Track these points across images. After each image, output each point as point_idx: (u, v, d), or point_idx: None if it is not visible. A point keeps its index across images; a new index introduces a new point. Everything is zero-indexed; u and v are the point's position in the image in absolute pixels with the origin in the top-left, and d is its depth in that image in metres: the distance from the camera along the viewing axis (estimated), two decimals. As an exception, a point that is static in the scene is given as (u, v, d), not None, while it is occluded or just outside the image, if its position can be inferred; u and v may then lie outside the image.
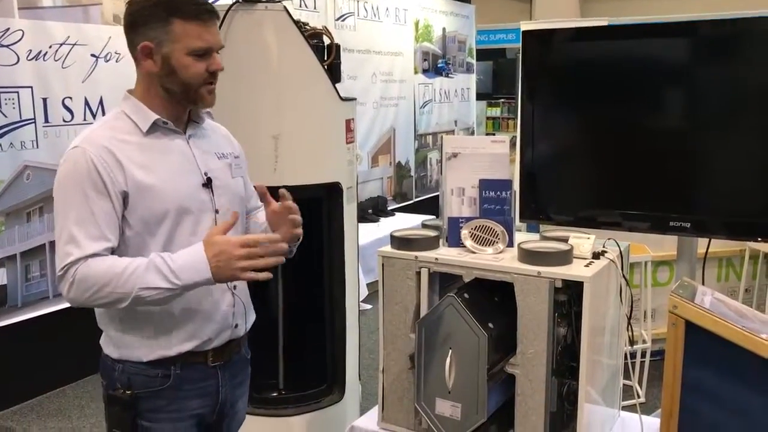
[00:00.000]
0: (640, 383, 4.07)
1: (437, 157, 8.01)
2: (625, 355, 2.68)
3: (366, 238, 5.83)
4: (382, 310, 2.42)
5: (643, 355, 4.05)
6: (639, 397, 3.98)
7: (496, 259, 2.26)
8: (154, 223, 1.68)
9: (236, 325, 1.84)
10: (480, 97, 11.11)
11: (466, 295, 2.17)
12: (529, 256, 2.18)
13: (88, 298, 1.61)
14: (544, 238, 2.40)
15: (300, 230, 1.83)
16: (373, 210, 7.29)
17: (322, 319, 3.10)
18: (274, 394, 3.13)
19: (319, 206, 2.98)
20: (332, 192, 2.95)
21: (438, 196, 2.49)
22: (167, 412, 1.74)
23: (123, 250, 1.68)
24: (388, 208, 7.55)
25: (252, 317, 1.94)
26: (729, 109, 2.32)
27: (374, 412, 2.53)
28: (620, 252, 2.32)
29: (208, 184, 1.80)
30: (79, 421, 3.63)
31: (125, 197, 1.67)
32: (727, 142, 2.32)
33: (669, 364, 2.04)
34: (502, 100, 12.09)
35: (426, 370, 2.22)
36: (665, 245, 4.24)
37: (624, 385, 2.66)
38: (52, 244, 4.04)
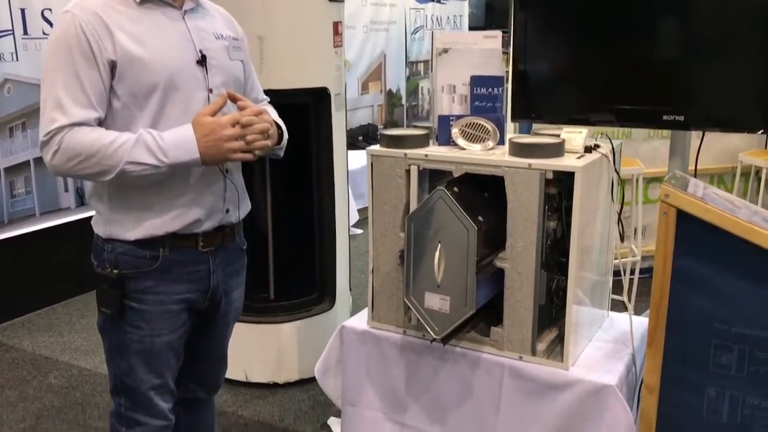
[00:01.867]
0: (629, 298, 4.09)
1: (429, 86, 7.89)
2: (616, 272, 2.68)
3: (356, 164, 5.78)
4: (371, 209, 2.39)
5: (633, 272, 4.07)
6: (628, 310, 4.00)
7: (486, 154, 2.22)
8: (142, 96, 1.63)
9: (227, 210, 1.80)
10: (472, 29, 10.91)
11: (455, 189, 2.14)
12: (520, 149, 2.14)
13: (71, 167, 1.57)
14: (536, 134, 2.36)
15: (268, 141, 1.76)
16: (363, 137, 7.22)
17: (311, 229, 3.08)
18: (265, 303, 3.14)
19: (306, 113, 2.92)
20: (320, 98, 2.89)
21: (430, 127, 2.44)
22: (155, 293, 1.71)
23: (111, 124, 1.63)
24: (379, 136, 7.45)
25: (246, 207, 1.90)
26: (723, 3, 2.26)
27: (365, 314, 2.53)
28: (612, 148, 2.28)
29: (202, 61, 1.74)
30: (69, 336, 3.64)
31: (113, 66, 1.61)
32: (721, 36, 2.26)
33: (659, 255, 2.02)
34: (495, 33, 11.84)
35: (415, 265, 2.21)
36: (657, 161, 4.21)
37: (614, 300, 2.67)
38: (37, 160, 3.99)
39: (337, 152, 2.99)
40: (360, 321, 2.53)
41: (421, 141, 2.33)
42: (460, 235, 2.11)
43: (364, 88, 7.34)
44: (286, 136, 1.86)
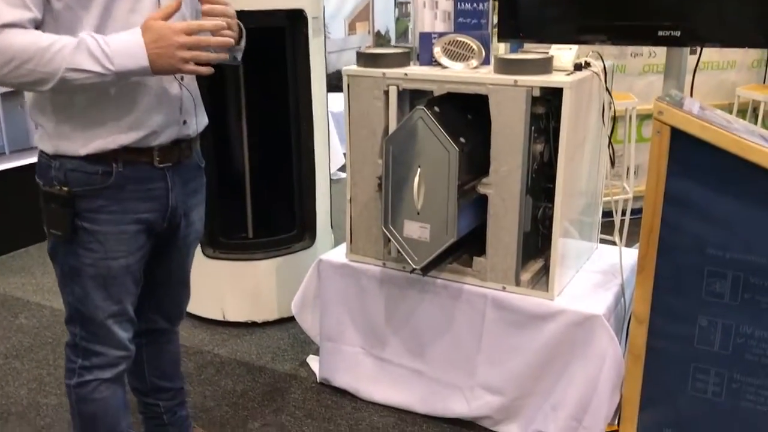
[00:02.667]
0: (620, 239, 3.99)
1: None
2: (607, 212, 2.57)
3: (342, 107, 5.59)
4: (348, 134, 2.26)
5: (624, 212, 3.96)
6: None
7: (470, 72, 2.08)
8: None
9: (184, 122, 1.65)
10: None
11: (436, 109, 2.01)
12: (505, 65, 2.00)
13: (5, 74, 1.42)
14: (523, 52, 2.22)
15: (233, 32, 1.60)
16: (351, 81, 7.00)
17: (290, 163, 2.94)
18: (244, 241, 3.01)
19: (281, 36, 2.76)
20: (296, 21, 2.72)
21: (411, 47, 2.28)
22: (109, 213, 1.58)
23: (53, 27, 1.47)
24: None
25: (204, 120, 1.75)
26: None
27: (343, 247, 2.42)
28: (604, 67, 2.14)
29: None
30: (42, 277, 3.52)
31: None
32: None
33: (651, 176, 1.91)
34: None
35: (394, 192, 2.09)
36: (652, 98, 4.07)
37: (604, 241, 2.56)
38: (4, 95, 3.81)
39: (315, 81, 2.84)
40: (338, 254, 2.42)
41: (401, 60, 2.18)
42: (440, 157, 1.98)
43: (351, 28, 7.10)
44: (245, 37, 1.70)
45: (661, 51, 4.00)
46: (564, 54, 2.07)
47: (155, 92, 1.58)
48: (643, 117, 4.11)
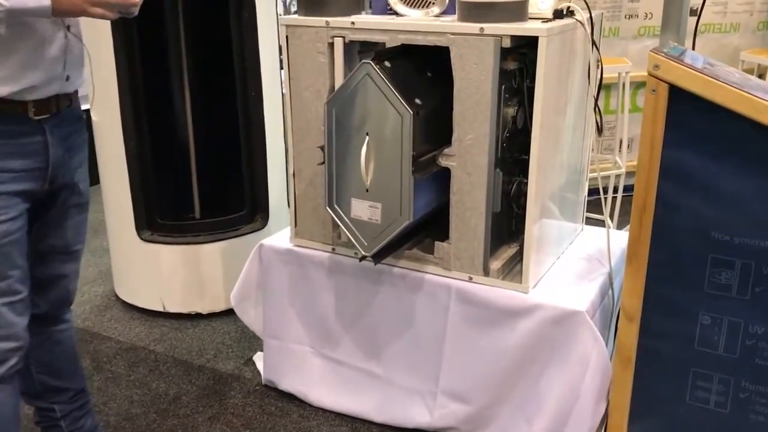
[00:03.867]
0: (611, 218, 3.67)
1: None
2: (596, 189, 2.23)
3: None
4: (288, 97, 1.92)
5: (615, 189, 3.64)
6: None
7: (428, 20, 1.74)
8: None
9: (68, 77, 1.41)
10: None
11: (387, 64, 1.67)
12: (470, 11, 1.65)
13: None
14: None
15: None
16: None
17: (237, 136, 2.60)
18: (185, 221, 2.67)
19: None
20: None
21: None
22: None
23: None
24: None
25: (81, 79, 1.49)
26: None
27: (288, 231, 2.08)
28: (591, 16, 1.80)
29: None
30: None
31: None
32: None
33: (644, 145, 1.58)
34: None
35: (338, 165, 1.75)
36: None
37: (592, 220, 2.25)
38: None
39: (264, 43, 2.49)
40: (282, 238, 2.09)
41: (349, 7, 1.84)
42: (392, 123, 1.65)
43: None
44: None
45: (657, 12, 3.65)
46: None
47: (38, 41, 1.35)
48: (638, 84, 3.77)
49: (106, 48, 2.37)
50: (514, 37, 1.59)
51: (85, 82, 1.50)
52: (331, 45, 1.80)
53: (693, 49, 1.98)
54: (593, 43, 1.77)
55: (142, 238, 2.57)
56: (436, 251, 1.82)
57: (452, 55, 1.65)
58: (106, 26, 2.30)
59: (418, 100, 1.66)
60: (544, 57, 1.57)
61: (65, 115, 1.46)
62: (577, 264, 1.92)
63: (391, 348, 1.95)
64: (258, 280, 2.13)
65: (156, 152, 2.61)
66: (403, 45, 1.72)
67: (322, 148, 1.78)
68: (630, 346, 1.71)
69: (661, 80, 1.53)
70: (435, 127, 1.72)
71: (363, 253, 1.79)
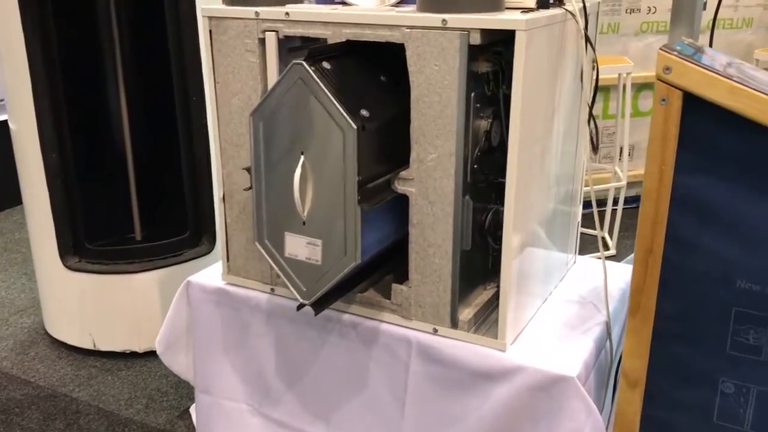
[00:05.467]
0: (610, 234, 3.33)
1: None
2: (588, 202, 1.88)
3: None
4: (214, 104, 1.57)
5: (616, 202, 3.30)
6: (609, 249, 3.26)
7: (381, 9, 1.39)
8: None
9: None
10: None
11: (325, 65, 1.32)
12: (431, -2, 1.31)
13: None
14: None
15: None
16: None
17: (177, 148, 2.25)
18: (118, 246, 2.32)
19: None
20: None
21: None
22: None
23: None
24: None
25: None
26: None
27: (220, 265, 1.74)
28: (585, 6, 1.45)
29: None
30: None
31: None
32: None
33: (652, 167, 1.24)
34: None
35: (269, 191, 1.41)
36: (651, 64, 3.38)
37: (587, 236, 1.90)
38: None
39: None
40: (213, 274, 1.74)
41: (286, -5, 1.49)
42: (332, 139, 1.30)
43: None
44: None
45: (661, 5, 3.31)
46: (524, -16, 1.38)
47: None
48: (641, 86, 3.43)
49: (16, 43, 2.02)
50: (485, 32, 1.24)
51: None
52: (263, 40, 1.46)
53: (710, 46, 1.64)
54: (587, 39, 1.42)
55: (66, 266, 2.22)
56: (393, 296, 1.48)
57: (408, 54, 1.30)
58: (15, 16, 1.95)
59: (364, 112, 1.31)
60: (523, 56, 1.22)
61: None
62: (568, 309, 1.57)
63: (342, 410, 1.60)
64: (187, 323, 1.78)
65: (86, 165, 2.26)
66: (349, 42, 1.37)
67: (248, 169, 1.43)
68: (632, 418, 1.37)
69: (673, 86, 1.19)
70: (390, 145, 1.38)
71: (300, 300, 1.44)
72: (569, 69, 1.46)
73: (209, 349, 1.74)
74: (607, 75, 2.91)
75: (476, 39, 1.25)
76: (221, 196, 1.63)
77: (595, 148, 1.48)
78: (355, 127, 1.27)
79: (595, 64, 1.58)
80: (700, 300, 1.27)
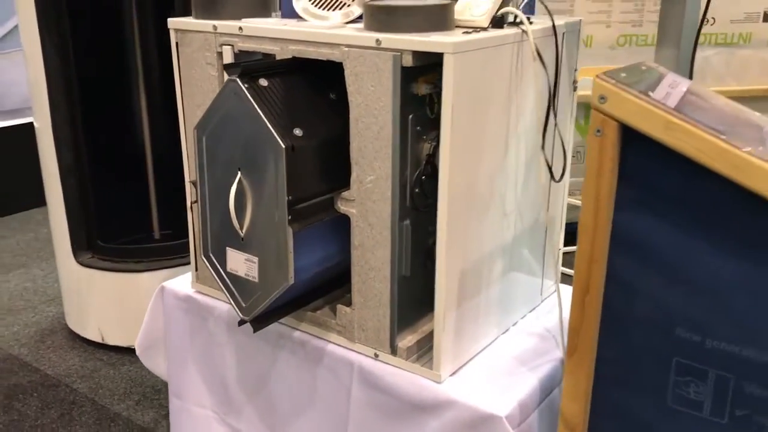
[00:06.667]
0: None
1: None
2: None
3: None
4: (181, 114, 1.59)
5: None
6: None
7: (326, 27, 1.36)
8: None
9: None
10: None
11: (262, 82, 1.31)
12: (372, 15, 1.27)
13: None
14: None
15: None
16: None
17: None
18: (127, 246, 2.39)
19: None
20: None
21: None
22: None
23: None
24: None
25: None
26: None
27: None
28: (554, 26, 1.38)
29: None
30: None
31: None
32: None
33: (587, 204, 1.16)
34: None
35: (212, 206, 1.41)
36: (709, 79, 3.17)
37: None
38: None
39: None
40: (185, 281, 1.76)
41: (247, 7, 1.49)
42: (265, 157, 1.29)
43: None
44: None
45: (721, 17, 3.10)
46: (481, 1, 1.33)
47: None
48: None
49: (35, 44, 2.12)
50: (417, 53, 1.20)
51: None
52: (221, 54, 1.46)
53: (691, 69, 1.52)
54: (539, 58, 1.34)
55: (79, 262, 2.32)
56: (338, 317, 1.45)
57: (346, 73, 1.28)
58: (31, 17, 2.05)
59: (298, 131, 1.29)
60: (451, 79, 1.17)
61: None
62: (526, 342, 1.50)
63: (293, 426, 1.59)
64: (163, 327, 1.81)
65: (105, 164, 2.35)
66: (294, 57, 1.35)
67: (194, 183, 1.44)
68: (571, 466, 1.29)
69: (609, 116, 1.11)
70: (334, 164, 1.35)
71: (241, 316, 1.44)
72: (527, 92, 1.39)
73: (180, 354, 1.77)
74: (584, 90, 2.73)
75: (408, 61, 1.21)
76: (190, 204, 1.65)
77: (553, 176, 1.40)
78: (284, 146, 1.25)
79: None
80: (642, 346, 1.19)
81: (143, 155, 2.42)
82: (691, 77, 1.51)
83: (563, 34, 1.43)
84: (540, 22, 1.40)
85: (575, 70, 1.52)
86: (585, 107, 2.85)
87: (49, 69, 2.12)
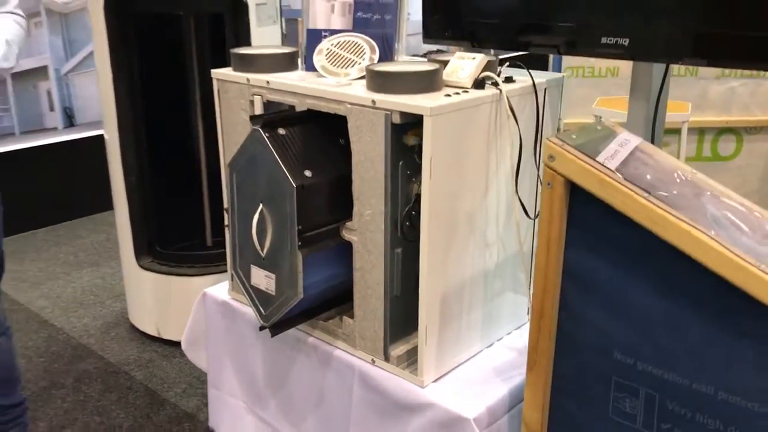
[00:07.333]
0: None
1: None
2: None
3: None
4: (222, 151, 1.88)
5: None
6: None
7: (341, 84, 1.62)
8: None
9: None
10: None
11: (280, 131, 1.58)
12: (373, 78, 1.53)
13: None
14: (429, 57, 1.72)
15: None
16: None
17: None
18: (180, 252, 2.71)
19: (221, 25, 2.41)
20: (236, 7, 2.35)
21: None
22: None
23: None
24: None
25: None
26: None
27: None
28: (534, 84, 1.60)
29: None
30: (28, 264, 3.46)
31: None
32: None
33: (541, 243, 1.38)
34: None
35: (240, 229, 1.69)
36: (734, 108, 3.30)
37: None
38: (15, 75, 3.76)
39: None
40: (224, 289, 2.05)
41: (277, 63, 1.76)
42: (281, 193, 1.56)
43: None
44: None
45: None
46: (463, 66, 1.56)
47: None
48: (721, 130, 3.35)
49: (105, 64, 2.44)
50: (404, 113, 1.44)
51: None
52: (252, 102, 1.74)
53: (654, 123, 1.70)
54: (513, 115, 1.56)
55: (140, 265, 2.65)
56: (343, 327, 1.71)
57: (349, 125, 1.53)
58: (103, 42, 2.37)
59: (308, 172, 1.55)
60: (429, 137, 1.41)
61: None
62: (506, 356, 1.72)
63: (306, 420, 1.86)
64: (204, 326, 2.11)
65: (166, 179, 2.67)
66: (309, 109, 1.62)
67: (226, 210, 1.72)
68: (532, 465, 1.51)
69: (556, 173, 1.33)
70: (341, 199, 1.61)
71: (261, 322, 1.71)
72: (508, 142, 1.61)
73: (218, 351, 2.06)
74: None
75: (397, 119, 1.45)
76: (227, 223, 1.93)
77: (527, 214, 1.62)
78: (295, 185, 1.51)
79: (516, 143, 1.71)
80: (588, 365, 1.39)
81: (199, 172, 2.73)
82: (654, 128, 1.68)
83: (545, 89, 1.65)
84: (523, 80, 1.62)
85: (558, 119, 1.73)
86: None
87: (117, 87, 2.43)
